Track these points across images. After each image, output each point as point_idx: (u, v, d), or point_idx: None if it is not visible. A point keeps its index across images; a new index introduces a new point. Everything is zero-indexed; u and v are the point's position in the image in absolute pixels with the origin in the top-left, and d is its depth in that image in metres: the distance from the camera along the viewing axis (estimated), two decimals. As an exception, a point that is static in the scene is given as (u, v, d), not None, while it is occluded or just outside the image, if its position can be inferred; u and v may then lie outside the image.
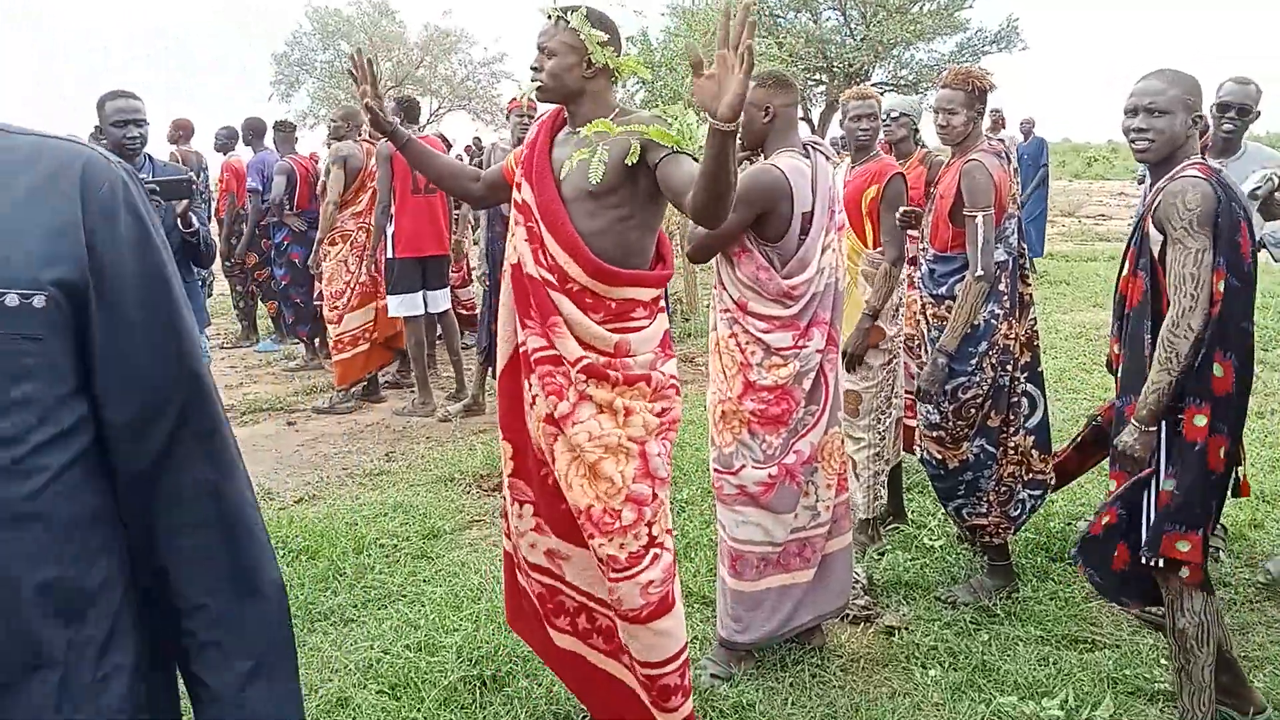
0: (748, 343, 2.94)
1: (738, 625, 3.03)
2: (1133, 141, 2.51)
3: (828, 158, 3.08)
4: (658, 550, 2.40)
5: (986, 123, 7.05)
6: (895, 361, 3.89)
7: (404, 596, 3.64)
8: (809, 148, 3.05)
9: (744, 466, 2.96)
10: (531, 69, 2.45)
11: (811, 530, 3.13)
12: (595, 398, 2.37)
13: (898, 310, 3.87)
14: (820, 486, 3.11)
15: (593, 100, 2.42)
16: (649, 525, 2.38)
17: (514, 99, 6.21)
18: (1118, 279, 2.69)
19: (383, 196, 6.08)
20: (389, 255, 6.21)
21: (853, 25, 25.20)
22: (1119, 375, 2.63)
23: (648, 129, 2.21)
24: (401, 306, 6.24)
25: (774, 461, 2.98)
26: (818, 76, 25.03)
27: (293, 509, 4.65)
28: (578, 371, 2.36)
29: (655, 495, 2.38)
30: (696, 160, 2.16)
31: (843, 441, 3.22)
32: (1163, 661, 3.05)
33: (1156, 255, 2.50)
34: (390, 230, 6.17)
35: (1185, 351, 2.42)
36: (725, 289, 2.99)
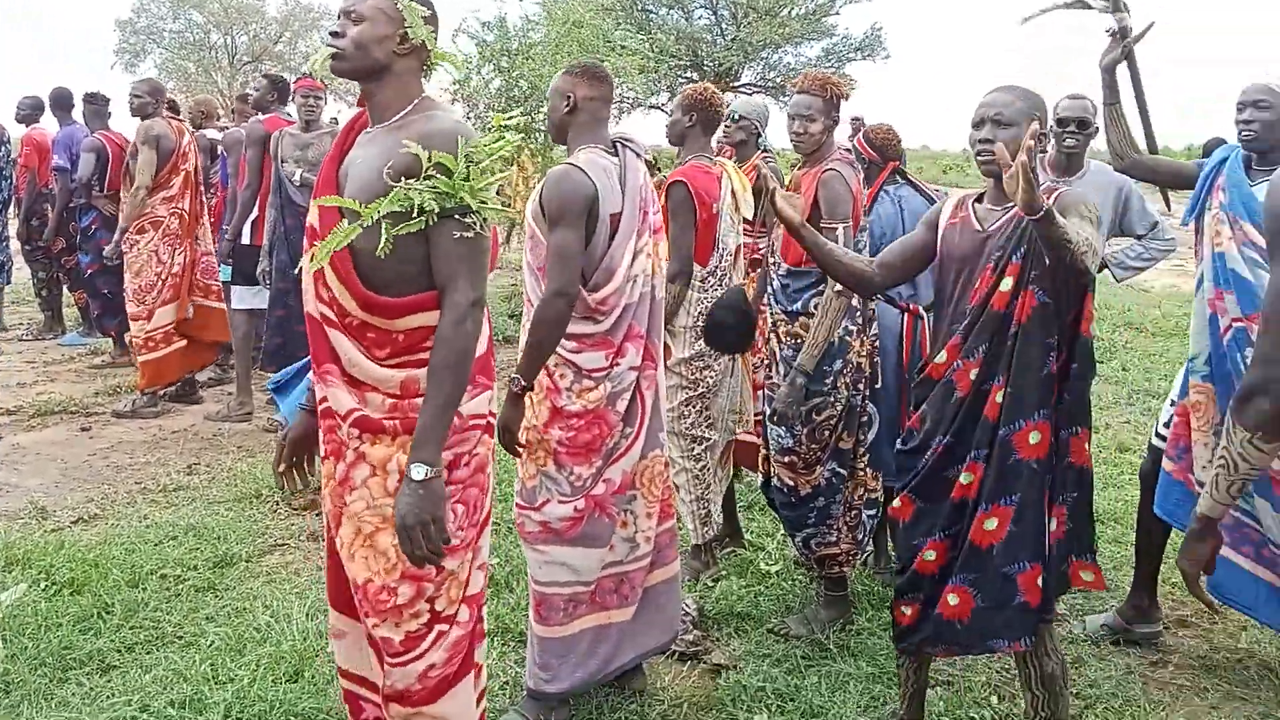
0: (556, 365, 2.65)
1: (545, 674, 2.74)
2: (979, 154, 2.37)
3: (639, 155, 2.81)
4: (444, 627, 2.06)
5: (847, 130, 7.01)
6: (709, 382, 3.62)
7: (179, 638, 3.20)
8: (618, 144, 2.78)
9: (548, 501, 2.67)
10: (331, 35, 2.03)
11: (630, 564, 2.86)
12: (369, 457, 2.02)
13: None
14: (640, 516, 2.85)
15: (397, 84, 2.06)
16: (431, 601, 2.04)
17: (301, 76, 5.72)
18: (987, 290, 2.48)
19: (252, 179, 5.58)
20: (246, 241, 5.68)
21: (724, 25, 25.35)
22: (1003, 400, 2.39)
23: (428, 162, 1.90)
24: (249, 298, 5.75)
25: (581, 494, 2.70)
26: (689, 75, 25.05)
27: (67, 531, 4.10)
28: (349, 426, 2.01)
29: (442, 566, 2.02)
30: (465, 220, 1.93)
31: (666, 464, 2.96)
32: (993, 701, 2.92)
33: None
34: (254, 217, 5.65)
35: None
36: (532, 306, 2.68)
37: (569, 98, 2.74)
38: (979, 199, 2.47)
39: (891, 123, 3.86)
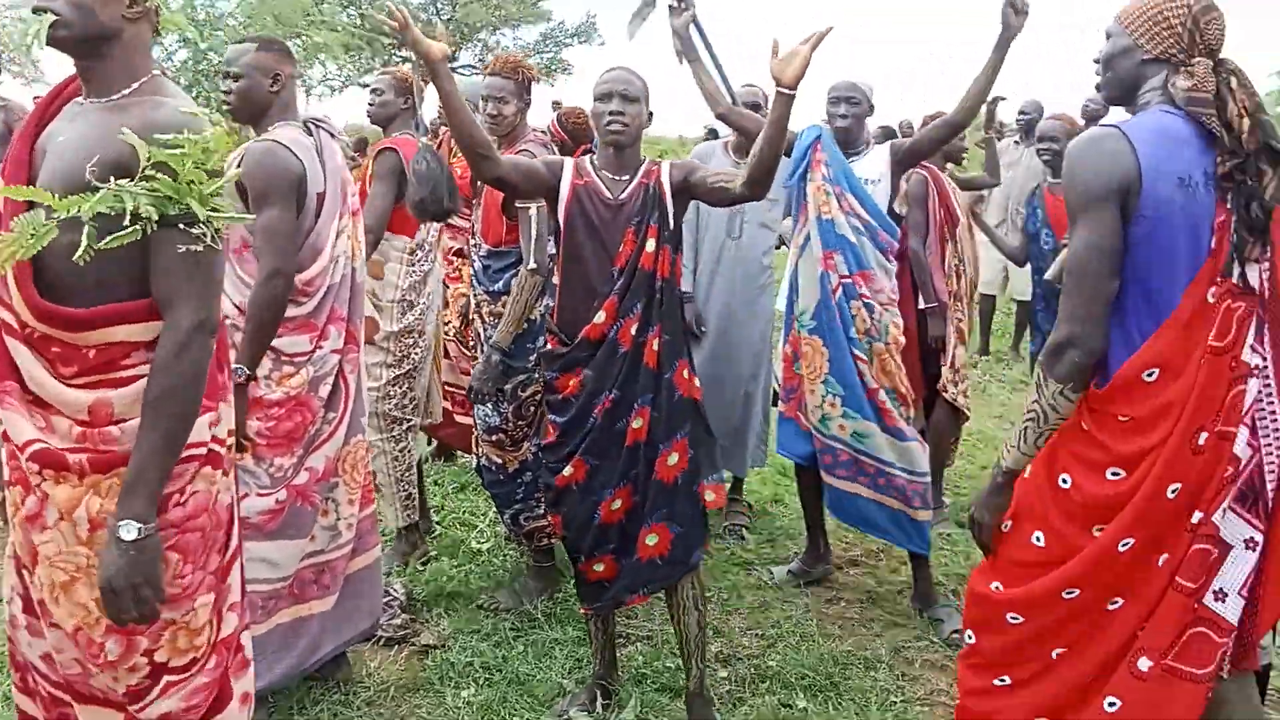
0: (251, 353, 2.53)
1: (238, 674, 2.61)
2: (609, 124, 2.57)
3: (333, 135, 2.75)
4: (173, 678, 1.78)
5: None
6: (414, 360, 3.60)
7: None
8: (310, 125, 2.71)
9: (245, 495, 2.54)
10: None
11: (331, 553, 2.79)
12: (54, 499, 1.69)
13: (410, 305, 3.58)
14: (342, 503, 2.79)
15: (125, 55, 1.74)
16: (150, 654, 1.75)
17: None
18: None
19: None
20: None
21: (440, 5, 24.87)
22: (659, 348, 2.56)
23: (148, 159, 1.61)
24: None
25: (282, 485, 2.60)
26: (403, 53, 24.38)
27: None
28: (27, 460, 1.69)
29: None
30: (192, 231, 1.64)
31: (368, 449, 2.92)
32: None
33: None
34: None
35: None
36: (227, 293, 2.54)
37: (276, 76, 2.66)
38: (600, 167, 2.64)
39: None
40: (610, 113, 2.56)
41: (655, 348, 2.55)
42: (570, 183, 2.60)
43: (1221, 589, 1.89)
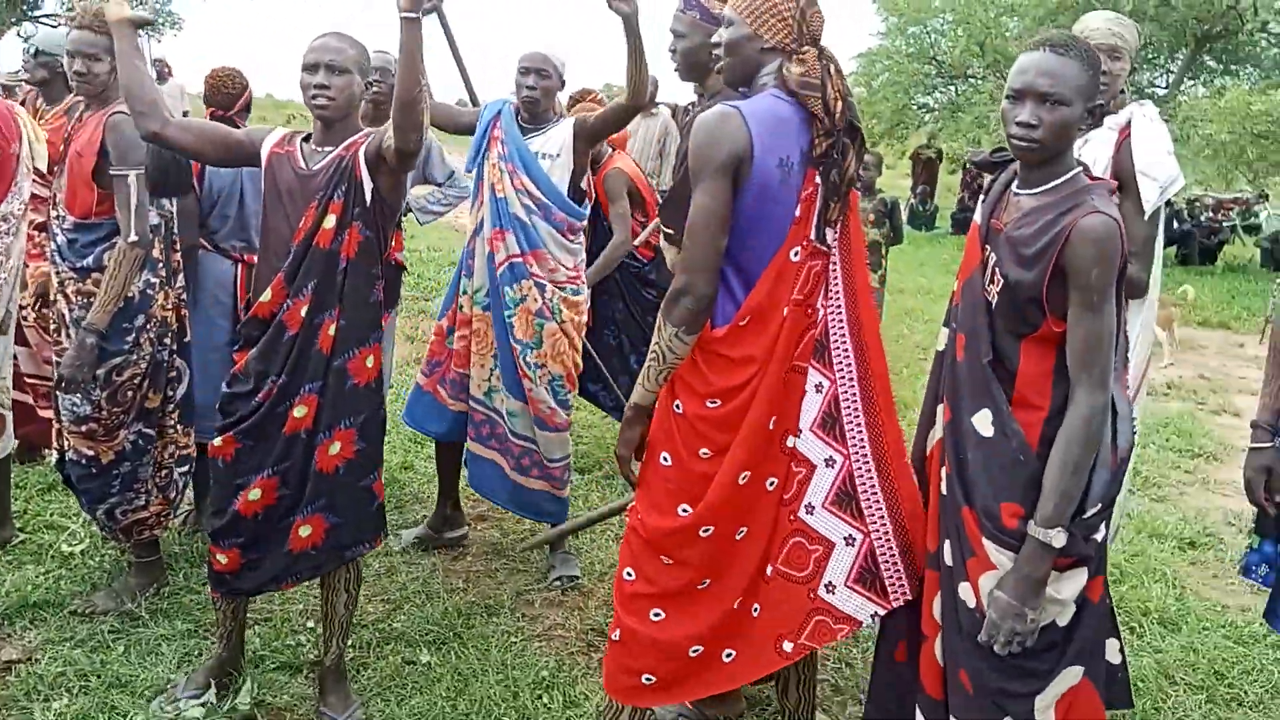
0: None
1: None
2: (313, 98, 2.47)
3: None
4: None
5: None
6: None
7: None
8: None
9: None
10: None
11: None
12: None
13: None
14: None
15: None
16: None
17: None
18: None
19: None
20: None
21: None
22: (335, 332, 2.48)
23: None
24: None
25: None
26: None
27: None
28: None
29: None
30: None
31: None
32: (309, 625, 3.09)
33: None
34: None
35: None
36: None
37: None
38: (306, 139, 2.55)
39: (240, 68, 3.61)
40: (315, 85, 2.42)
41: (331, 332, 2.45)
42: (269, 150, 2.46)
43: (810, 504, 2.24)
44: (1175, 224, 14.88)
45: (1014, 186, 2.04)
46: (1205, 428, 6.02)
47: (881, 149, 16.92)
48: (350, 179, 2.45)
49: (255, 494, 2.49)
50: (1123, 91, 2.91)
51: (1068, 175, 1.96)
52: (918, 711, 2.22)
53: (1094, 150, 2.85)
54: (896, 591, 2.26)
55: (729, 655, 2.30)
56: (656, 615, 2.27)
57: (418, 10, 2.31)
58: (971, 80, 16.62)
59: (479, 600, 3.35)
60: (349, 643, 3.02)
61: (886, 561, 2.25)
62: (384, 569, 3.54)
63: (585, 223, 3.50)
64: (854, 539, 2.24)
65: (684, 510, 2.21)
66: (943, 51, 17.38)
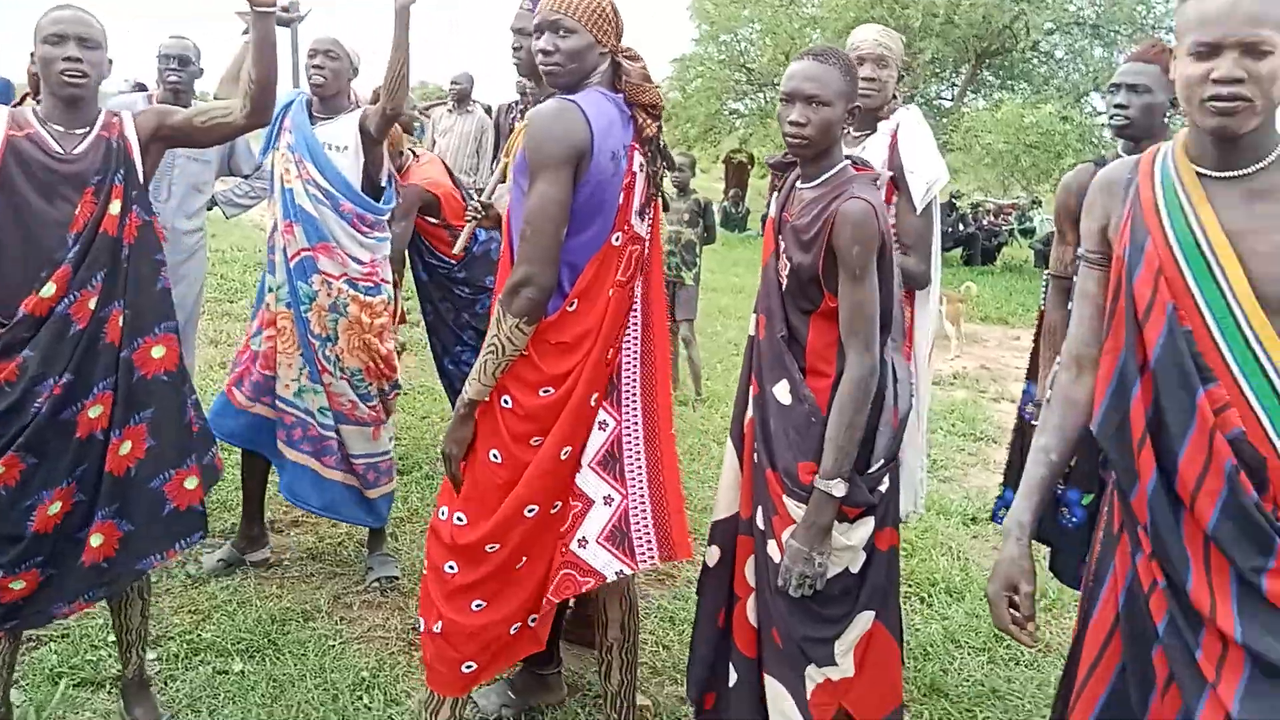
0: None
1: None
2: (64, 73, 2.30)
3: None
4: None
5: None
6: None
7: None
8: None
9: None
10: None
11: None
12: None
13: None
14: None
15: None
16: None
17: None
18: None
19: None
20: None
21: None
22: (124, 322, 2.34)
23: None
24: None
25: None
26: None
27: None
28: None
29: None
30: None
31: None
32: (110, 639, 2.93)
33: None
34: None
35: None
36: None
37: None
38: (45, 119, 2.33)
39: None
40: (66, 59, 2.25)
41: (120, 324, 2.31)
42: (4, 135, 2.25)
43: (580, 463, 2.37)
44: (961, 227, 16.10)
45: (798, 183, 2.27)
46: (986, 413, 6.58)
47: (696, 152, 17.46)
48: (126, 162, 2.35)
49: (55, 506, 2.26)
50: (894, 97, 3.16)
51: (836, 168, 2.20)
52: (732, 670, 2.38)
53: (871, 154, 3.09)
54: (644, 554, 2.38)
55: (534, 620, 2.44)
56: (479, 605, 2.34)
57: (274, 6, 2.37)
58: (779, 88, 17.36)
59: (294, 606, 3.27)
60: (154, 655, 2.90)
61: (638, 525, 2.39)
62: (190, 580, 3.40)
63: (385, 217, 3.43)
64: (612, 499, 2.37)
65: (506, 495, 2.29)
66: (752, 59, 18.10)
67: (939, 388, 7.21)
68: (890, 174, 2.83)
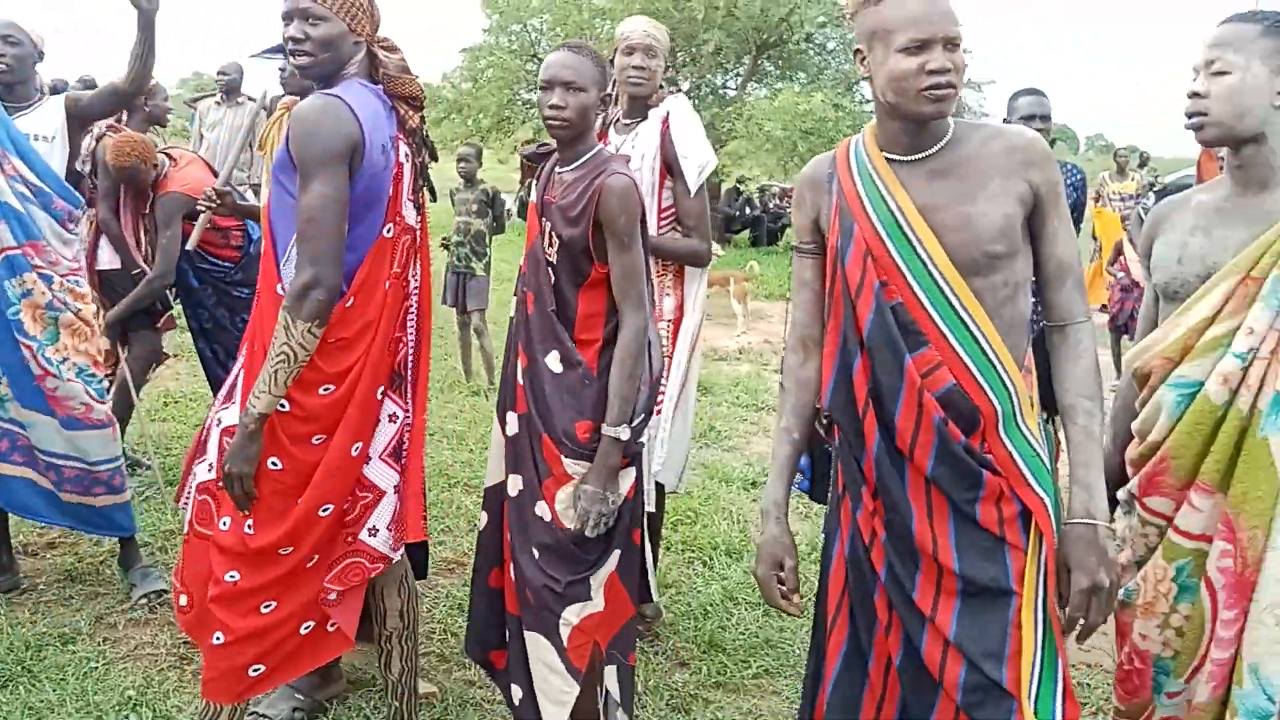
0: None
1: None
2: None
3: None
4: None
5: None
6: None
7: None
8: None
9: None
10: None
11: None
12: None
13: None
14: None
15: None
16: None
17: None
18: None
19: None
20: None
21: None
22: None
23: None
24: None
25: None
26: None
27: None
28: None
29: None
30: None
31: None
32: None
33: None
34: None
35: None
36: None
37: None
38: None
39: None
40: None
41: None
42: None
43: (369, 455, 2.38)
44: (748, 210, 16.77)
45: (557, 168, 2.41)
46: (768, 385, 6.92)
47: (492, 143, 17.35)
48: None
49: None
50: (661, 86, 3.31)
51: (592, 152, 2.37)
52: (506, 633, 2.49)
53: (644, 141, 3.23)
54: (415, 529, 2.52)
55: (333, 625, 2.43)
56: (268, 606, 2.31)
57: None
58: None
59: (51, 630, 3.07)
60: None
61: (409, 503, 2.48)
62: (-70, 614, 3.13)
63: (83, 211, 3.24)
64: (399, 487, 2.43)
65: (291, 501, 2.26)
66: (544, 50, 18.12)
67: (725, 363, 7.53)
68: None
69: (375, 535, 2.38)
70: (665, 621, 3.38)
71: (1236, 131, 1.85)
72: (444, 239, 6.52)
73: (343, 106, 2.15)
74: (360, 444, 2.32)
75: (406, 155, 2.36)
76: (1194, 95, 1.88)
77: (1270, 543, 1.81)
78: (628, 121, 3.29)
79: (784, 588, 1.90)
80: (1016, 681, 1.74)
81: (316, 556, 2.34)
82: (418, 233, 2.46)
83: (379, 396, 2.35)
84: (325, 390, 2.25)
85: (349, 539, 2.37)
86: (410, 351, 2.46)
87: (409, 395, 2.45)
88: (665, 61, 3.30)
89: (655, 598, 3.30)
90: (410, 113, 2.36)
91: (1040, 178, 1.76)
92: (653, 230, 3.15)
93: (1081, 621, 1.75)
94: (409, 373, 2.45)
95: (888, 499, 1.81)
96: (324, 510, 2.29)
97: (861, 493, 1.85)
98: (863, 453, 1.83)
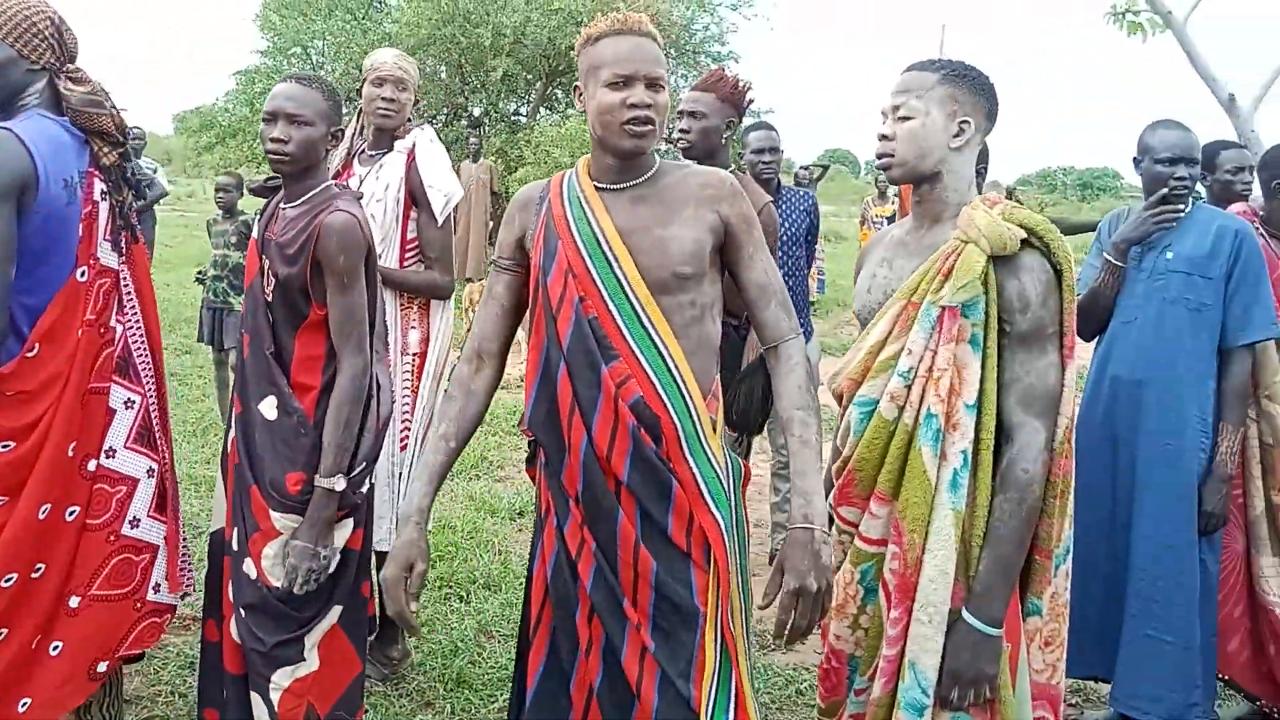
0: None
1: None
2: None
3: None
4: None
5: None
6: None
7: None
8: None
9: None
10: None
11: None
12: None
13: None
14: None
15: None
16: None
17: None
18: None
19: None
20: None
21: None
22: None
23: None
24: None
25: None
26: None
27: None
28: None
29: None
30: None
31: None
32: None
33: None
34: None
35: None
36: None
37: None
38: None
39: None
40: None
41: None
42: None
43: (135, 518, 2.27)
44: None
45: (282, 204, 2.35)
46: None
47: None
48: None
49: None
50: (409, 120, 3.27)
51: (320, 188, 2.32)
52: (226, 687, 2.38)
53: (388, 173, 3.17)
54: (185, 577, 2.48)
55: (24, 704, 2.18)
56: None
57: None
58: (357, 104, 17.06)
59: None
60: None
61: (178, 551, 2.44)
62: None
63: None
64: (154, 470, 2.34)
65: None
66: (327, 74, 17.60)
67: (505, 390, 7.48)
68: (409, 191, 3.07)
69: (159, 591, 2.34)
70: (413, 662, 3.30)
71: (919, 170, 1.99)
72: (199, 272, 6.18)
73: (10, 140, 2.00)
74: (49, 505, 2.13)
75: (103, 193, 2.21)
76: (882, 138, 2.02)
77: (927, 545, 1.96)
78: (373, 153, 3.24)
79: (409, 592, 1.85)
80: (699, 700, 1.81)
81: (5, 630, 2.12)
82: (121, 275, 2.30)
83: (71, 454, 2.16)
84: (4, 448, 2.07)
85: (137, 604, 2.30)
86: (139, 336, 2.34)
87: (139, 378, 2.33)
88: (415, 95, 3.28)
89: (403, 639, 3.23)
90: (105, 149, 2.21)
91: (729, 210, 1.87)
92: (396, 263, 3.12)
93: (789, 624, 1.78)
94: (135, 356, 2.32)
95: (592, 506, 1.85)
96: (7, 580, 2.09)
97: (568, 504, 1.88)
98: (564, 463, 1.87)
